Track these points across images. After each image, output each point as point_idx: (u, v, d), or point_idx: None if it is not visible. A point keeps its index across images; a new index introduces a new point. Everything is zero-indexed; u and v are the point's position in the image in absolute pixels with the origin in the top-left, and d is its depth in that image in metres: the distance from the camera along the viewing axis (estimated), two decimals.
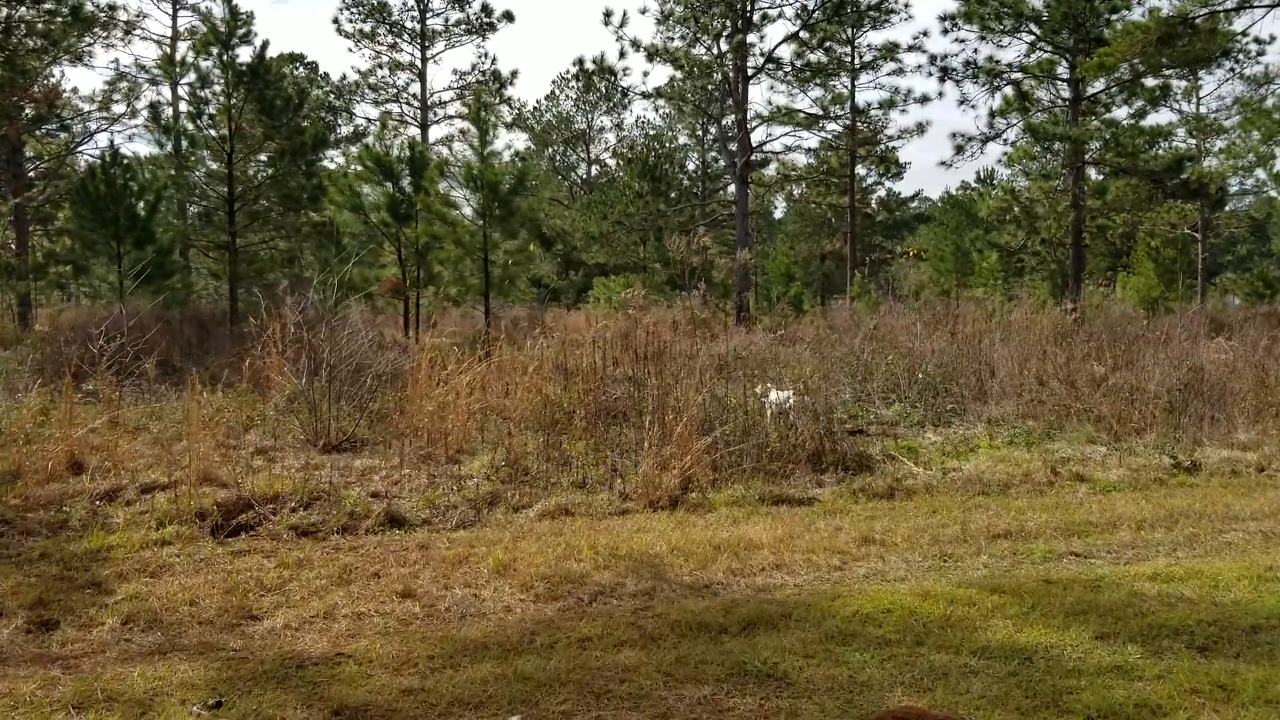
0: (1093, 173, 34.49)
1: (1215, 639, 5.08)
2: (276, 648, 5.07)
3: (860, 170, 37.80)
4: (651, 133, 47.26)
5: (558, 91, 48.96)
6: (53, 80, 31.46)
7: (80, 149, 31.11)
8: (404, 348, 13.32)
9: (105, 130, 33.37)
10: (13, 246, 29.97)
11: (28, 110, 29.07)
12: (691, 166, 46.10)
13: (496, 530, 7.32)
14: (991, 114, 32.29)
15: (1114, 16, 29.39)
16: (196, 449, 8.70)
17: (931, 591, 5.79)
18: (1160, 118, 78.99)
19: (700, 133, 46.88)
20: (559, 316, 29.71)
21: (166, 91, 32.09)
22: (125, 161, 22.70)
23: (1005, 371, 12.20)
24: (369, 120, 39.02)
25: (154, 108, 26.02)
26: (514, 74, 36.27)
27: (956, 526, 7.30)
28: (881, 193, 47.93)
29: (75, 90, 36.58)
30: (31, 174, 31.29)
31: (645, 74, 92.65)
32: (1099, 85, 31.82)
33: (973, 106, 37.38)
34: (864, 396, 12.86)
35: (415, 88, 37.69)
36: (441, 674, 4.68)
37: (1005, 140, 32.69)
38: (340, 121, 40.02)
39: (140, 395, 12.86)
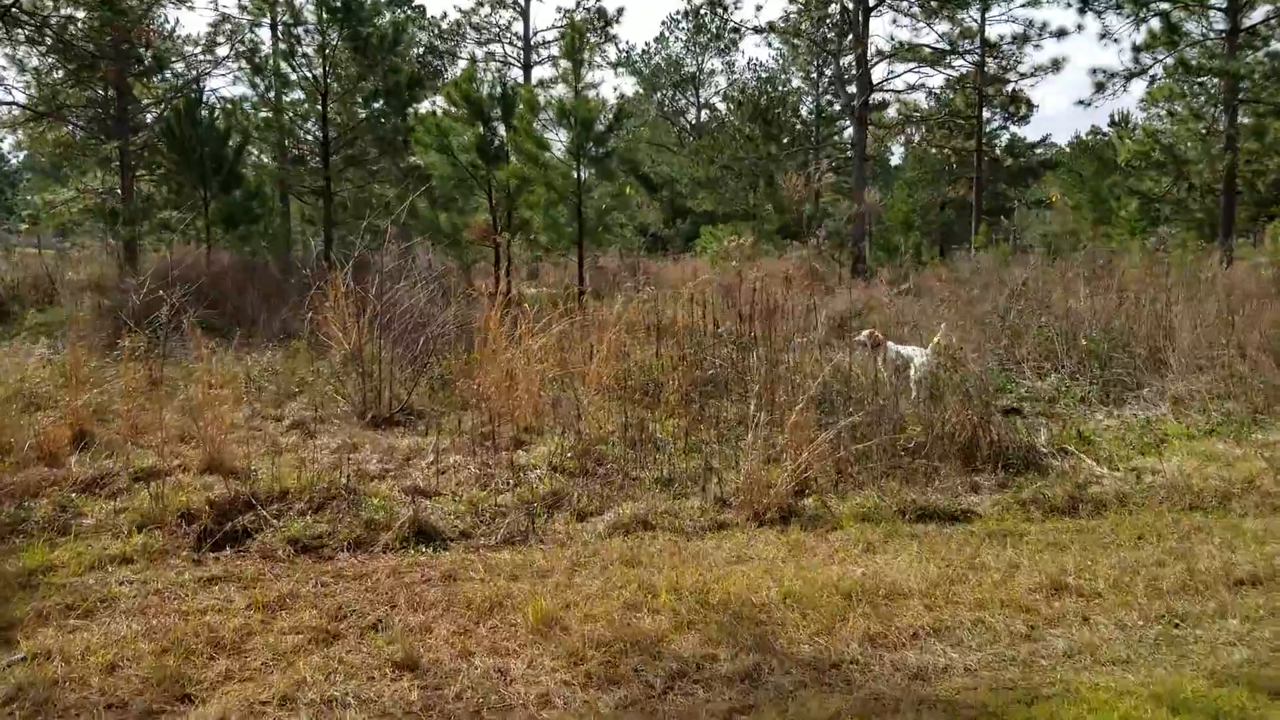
0: (1240, 115, 30.97)
1: None
2: None
3: (984, 113, 34.70)
4: (764, 75, 44.65)
5: (667, 33, 46.54)
6: (158, 22, 30.55)
7: (186, 93, 30.08)
8: (472, 299, 11.54)
9: (209, 74, 32.43)
10: (119, 192, 29.30)
11: (144, 53, 28.19)
12: (805, 111, 43.29)
13: (551, 552, 5.47)
14: (1135, 48, 29.08)
15: None
16: (206, 427, 7.05)
17: (1178, 693, 3.74)
18: None
19: (815, 75, 44.00)
20: (664, 266, 27.77)
21: (267, 34, 30.91)
22: (212, 102, 21.50)
23: (1189, 339, 9.85)
24: (474, 63, 37.27)
25: (248, 46, 24.76)
26: (620, 11, 34.05)
27: (1178, 566, 5.17)
28: (1006, 138, 44.47)
29: (190, 37, 35.35)
30: (149, 119, 30.50)
31: (758, 7, 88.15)
32: (1257, 16, 28.35)
33: (1115, 40, 33.96)
34: (1010, 364, 10.68)
35: (518, 26, 35.82)
36: None
37: (1152, 77, 29.42)
38: (445, 65, 38.42)
39: (188, 352, 11.40)
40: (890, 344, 9.97)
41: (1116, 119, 47.40)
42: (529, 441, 7.76)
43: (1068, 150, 49.64)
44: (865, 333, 10.09)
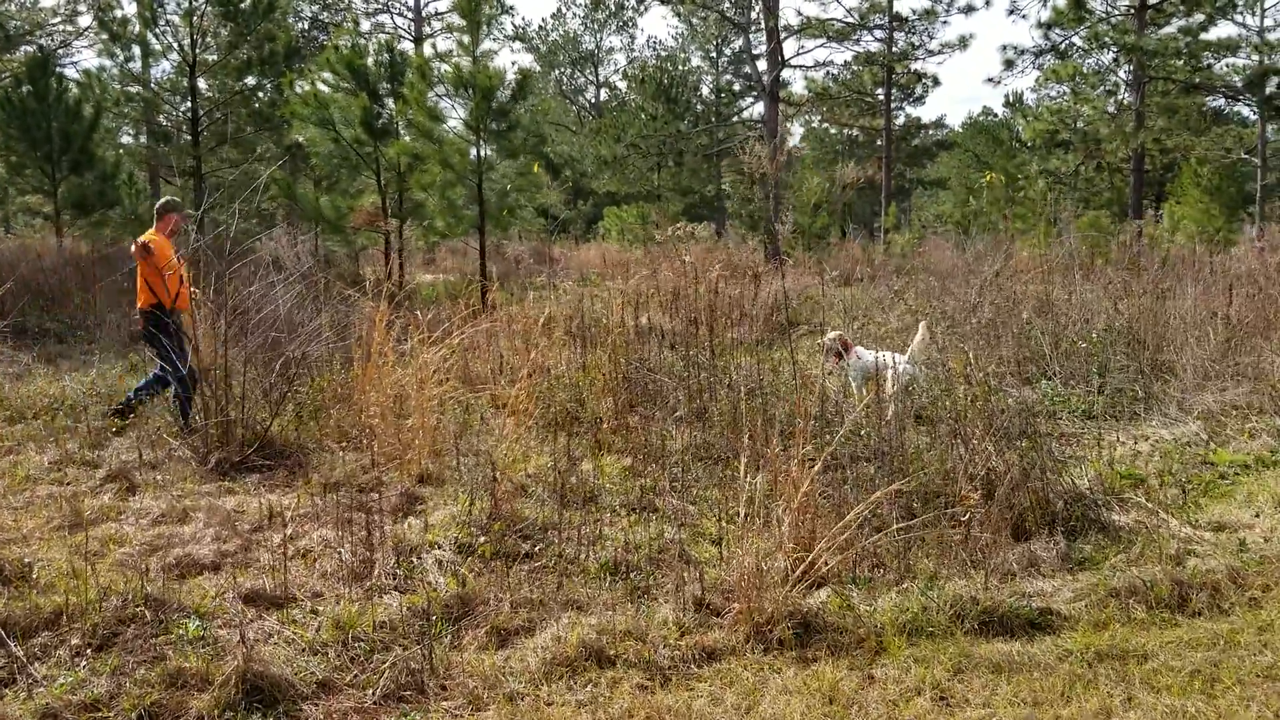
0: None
1: None
2: None
3: (892, 90, 33.43)
4: (663, 53, 42.71)
5: (564, 9, 44.22)
6: None
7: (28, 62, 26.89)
8: (350, 300, 9.36)
9: (69, 44, 29.16)
10: None
11: None
12: (705, 91, 41.49)
13: (459, 718, 3.45)
14: (1043, 25, 28.11)
15: None
16: None
17: None
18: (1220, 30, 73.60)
19: (715, 54, 42.23)
20: (569, 251, 25.72)
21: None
22: (62, 72, 18.65)
23: (1208, 340, 8.27)
24: (363, 36, 34.34)
25: (101, 10, 21.76)
26: None
27: None
28: (902, 118, 43.49)
29: (52, 8, 31.52)
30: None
31: None
32: None
33: (1024, 16, 32.97)
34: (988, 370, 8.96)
35: None
36: None
37: (1062, 53, 28.50)
38: (332, 38, 35.43)
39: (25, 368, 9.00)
40: (860, 350, 8.19)
41: (1011, 100, 46.83)
42: (426, 499, 5.69)
43: (960, 131, 49.05)
44: (830, 335, 8.29)
